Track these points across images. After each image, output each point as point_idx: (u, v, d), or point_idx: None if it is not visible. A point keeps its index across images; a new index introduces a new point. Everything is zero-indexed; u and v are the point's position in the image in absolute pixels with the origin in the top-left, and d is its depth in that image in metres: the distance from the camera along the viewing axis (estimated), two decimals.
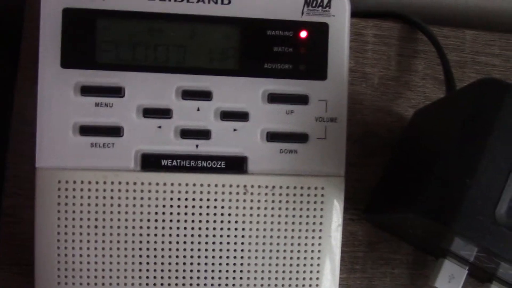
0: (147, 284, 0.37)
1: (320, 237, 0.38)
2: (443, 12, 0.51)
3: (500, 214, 0.31)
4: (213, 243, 0.37)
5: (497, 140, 0.31)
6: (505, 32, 0.48)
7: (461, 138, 0.32)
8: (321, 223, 0.38)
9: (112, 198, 0.36)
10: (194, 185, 0.37)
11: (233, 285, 0.37)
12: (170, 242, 0.37)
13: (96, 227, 0.36)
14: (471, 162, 0.31)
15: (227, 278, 0.37)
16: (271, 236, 0.37)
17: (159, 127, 0.37)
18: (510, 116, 0.31)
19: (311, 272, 0.38)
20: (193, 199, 0.37)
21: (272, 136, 0.38)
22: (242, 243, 0.37)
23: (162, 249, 0.37)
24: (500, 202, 0.31)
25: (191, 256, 0.37)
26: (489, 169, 0.31)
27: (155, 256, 0.37)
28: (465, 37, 0.47)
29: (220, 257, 0.37)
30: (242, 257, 0.37)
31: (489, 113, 0.31)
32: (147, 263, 0.37)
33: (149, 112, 0.37)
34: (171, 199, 0.37)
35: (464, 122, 0.32)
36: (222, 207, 0.37)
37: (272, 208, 0.37)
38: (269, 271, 0.38)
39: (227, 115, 0.37)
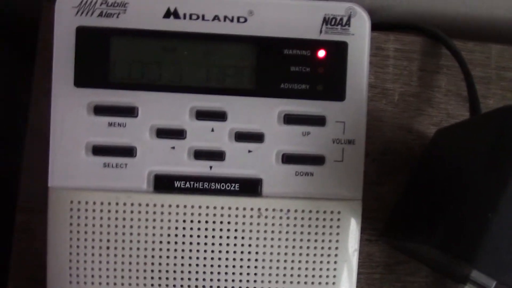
0: None
1: (335, 262, 0.37)
2: (467, 25, 0.50)
3: None
4: (226, 266, 0.36)
5: None
6: None
7: (483, 170, 0.30)
8: (336, 248, 0.37)
9: (124, 219, 0.36)
10: (207, 207, 0.36)
11: None
12: (182, 265, 0.36)
13: (108, 248, 0.36)
14: (494, 194, 0.30)
15: None
16: (285, 261, 0.37)
17: (173, 147, 0.36)
18: None
19: None
20: (206, 222, 0.36)
21: (288, 158, 0.37)
22: (256, 267, 0.37)
23: (174, 271, 0.36)
24: None
25: (204, 279, 0.36)
26: None
27: (167, 279, 0.36)
28: (490, 52, 0.46)
29: (233, 280, 0.37)
30: (255, 281, 0.37)
31: None
32: (159, 285, 0.36)
33: (163, 133, 0.36)
34: (184, 221, 0.36)
35: (486, 152, 0.31)
36: (236, 230, 0.36)
37: (287, 232, 0.37)
38: None
39: (241, 136, 0.36)
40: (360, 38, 0.37)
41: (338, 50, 0.37)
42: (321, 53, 0.37)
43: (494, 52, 0.46)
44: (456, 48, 0.44)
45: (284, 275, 0.37)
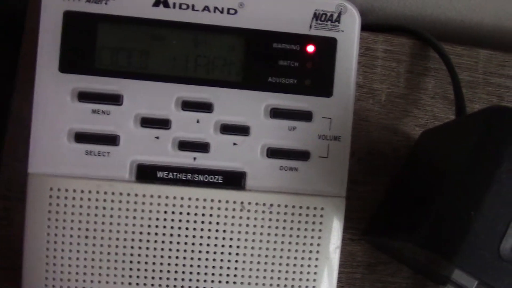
0: None
1: (317, 259, 0.37)
2: (456, 29, 0.50)
3: (505, 249, 0.30)
4: (206, 259, 0.36)
5: (505, 172, 0.30)
6: None
7: (468, 168, 0.30)
8: (319, 245, 0.37)
9: (104, 208, 0.35)
10: (189, 199, 0.36)
11: None
12: (162, 256, 0.36)
13: (86, 237, 0.35)
14: (477, 194, 0.30)
15: None
16: (267, 256, 0.36)
17: (157, 137, 0.36)
18: None
19: None
20: (188, 214, 0.36)
21: (273, 152, 0.36)
22: (237, 261, 0.36)
23: (154, 263, 0.36)
24: (505, 237, 0.30)
25: (183, 272, 0.36)
26: (495, 202, 0.30)
27: (145, 270, 0.36)
28: (478, 57, 0.46)
29: (213, 274, 0.36)
30: (235, 276, 0.36)
31: (498, 144, 0.30)
32: (137, 277, 0.36)
33: (147, 122, 0.36)
34: (165, 212, 0.36)
35: (471, 151, 0.31)
36: (218, 223, 0.36)
37: (269, 227, 0.36)
38: None
39: (227, 129, 0.36)
40: (349, 35, 0.37)
41: (327, 46, 0.37)
42: (310, 48, 0.37)
43: (482, 57, 0.46)
44: (445, 51, 0.44)
45: (265, 270, 0.36)
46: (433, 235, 0.30)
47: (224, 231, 0.36)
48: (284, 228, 0.36)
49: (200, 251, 0.36)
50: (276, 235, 0.36)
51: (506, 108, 0.32)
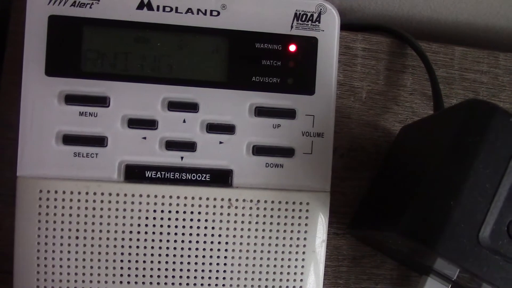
0: None
1: (304, 253, 0.38)
2: (432, 27, 0.52)
3: (484, 237, 0.31)
4: (196, 256, 0.37)
5: (483, 162, 0.31)
6: (494, 50, 0.48)
7: (447, 159, 0.32)
8: (305, 239, 0.38)
9: (94, 209, 0.36)
10: (178, 197, 0.36)
11: None
12: (152, 255, 0.36)
13: (77, 237, 0.36)
14: (456, 184, 0.31)
15: None
16: (255, 251, 0.37)
17: (144, 138, 0.36)
18: (496, 138, 0.31)
19: (294, 287, 0.38)
20: (177, 212, 0.36)
21: (258, 150, 0.37)
22: (225, 257, 0.37)
23: (144, 262, 0.36)
24: (484, 225, 0.31)
25: (173, 269, 0.37)
26: (473, 192, 0.31)
27: (136, 269, 0.36)
28: (454, 54, 0.47)
29: (203, 270, 0.37)
30: (224, 271, 0.37)
31: (476, 135, 0.31)
32: (128, 275, 0.36)
33: (134, 123, 0.36)
34: (155, 211, 0.36)
35: (450, 143, 0.32)
36: (206, 220, 0.37)
37: (257, 223, 0.37)
38: (252, 286, 0.37)
39: (213, 128, 0.37)
40: (329, 34, 0.38)
41: (309, 45, 0.38)
42: (292, 48, 0.38)
43: (457, 54, 0.48)
44: (421, 49, 0.45)
45: (254, 265, 0.37)
46: (415, 225, 0.31)
47: (213, 228, 0.37)
48: (271, 223, 0.37)
49: (189, 248, 0.37)
50: (263, 230, 0.37)
51: (483, 102, 0.33)
